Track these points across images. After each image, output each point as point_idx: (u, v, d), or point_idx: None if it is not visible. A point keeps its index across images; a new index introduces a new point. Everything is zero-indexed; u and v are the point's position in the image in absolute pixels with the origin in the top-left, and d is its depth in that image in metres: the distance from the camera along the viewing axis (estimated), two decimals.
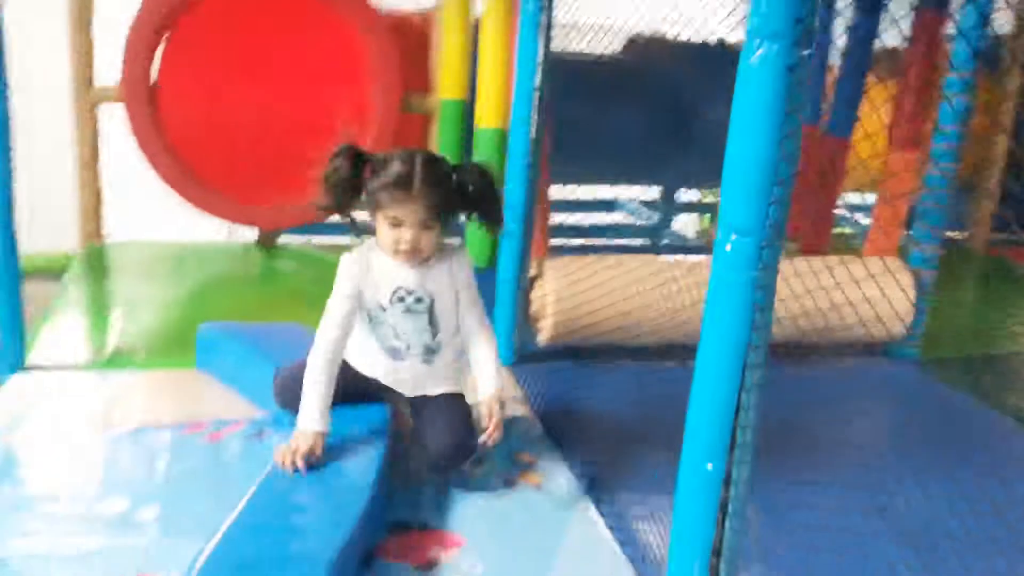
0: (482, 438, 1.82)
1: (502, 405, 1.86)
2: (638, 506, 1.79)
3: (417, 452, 1.88)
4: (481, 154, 3.42)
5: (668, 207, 4.81)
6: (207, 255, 3.76)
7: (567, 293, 2.51)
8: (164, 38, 3.38)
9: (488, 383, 1.87)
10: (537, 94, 2.36)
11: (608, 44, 4.36)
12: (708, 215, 5.04)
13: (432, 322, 1.85)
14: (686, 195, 4.86)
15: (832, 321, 2.32)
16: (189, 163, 3.48)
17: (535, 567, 1.62)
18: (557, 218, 4.28)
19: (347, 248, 1.86)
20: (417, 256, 1.78)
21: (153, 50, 3.36)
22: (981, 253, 4.32)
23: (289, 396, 1.87)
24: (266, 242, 3.89)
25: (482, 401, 1.85)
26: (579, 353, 2.60)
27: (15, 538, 1.57)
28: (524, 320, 2.59)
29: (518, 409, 2.27)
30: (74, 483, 1.78)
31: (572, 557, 1.66)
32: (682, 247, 4.47)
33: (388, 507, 1.74)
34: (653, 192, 4.91)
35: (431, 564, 1.59)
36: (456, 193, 1.79)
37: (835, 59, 3.75)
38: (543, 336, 2.59)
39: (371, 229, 1.81)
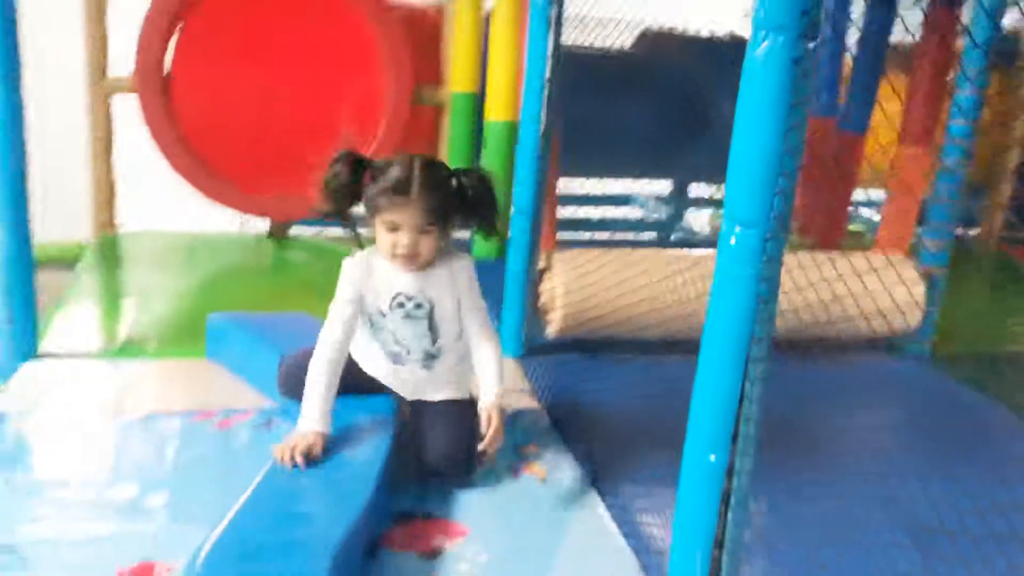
0: (481, 445, 1.80)
1: (503, 412, 1.83)
2: (643, 498, 1.79)
3: (415, 457, 1.85)
4: (490, 147, 3.43)
5: (680, 202, 4.80)
6: (219, 245, 3.78)
7: (576, 286, 2.52)
8: (178, 29, 3.40)
9: (489, 389, 1.84)
10: (547, 88, 2.36)
11: (620, 38, 4.36)
12: (721, 210, 5.01)
13: (432, 328, 1.84)
14: (698, 190, 4.85)
15: (840, 316, 2.31)
16: (202, 154, 3.50)
17: (539, 557, 1.63)
18: (569, 212, 4.30)
19: (359, 241, 1.86)
20: (415, 261, 1.77)
21: (167, 41, 3.38)
22: (992, 251, 4.30)
23: (292, 385, 1.88)
24: (278, 233, 3.91)
25: (482, 408, 1.83)
26: (587, 346, 2.60)
27: (26, 523, 1.59)
28: (533, 312, 2.59)
29: (525, 401, 2.28)
30: (84, 469, 1.80)
31: (576, 548, 1.67)
32: (693, 242, 4.46)
33: (393, 497, 1.75)
34: (665, 187, 4.90)
35: (436, 553, 1.61)
36: (455, 198, 1.78)
37: (848, 55, 3.74)
38: (552, 328, 2.60)
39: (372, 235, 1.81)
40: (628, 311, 2.43)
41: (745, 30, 1.16)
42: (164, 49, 3.38)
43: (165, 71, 3.41)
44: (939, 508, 1.42)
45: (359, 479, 1.63)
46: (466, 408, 1.89)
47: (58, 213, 3.71)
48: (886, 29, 3.51)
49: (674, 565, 1.38)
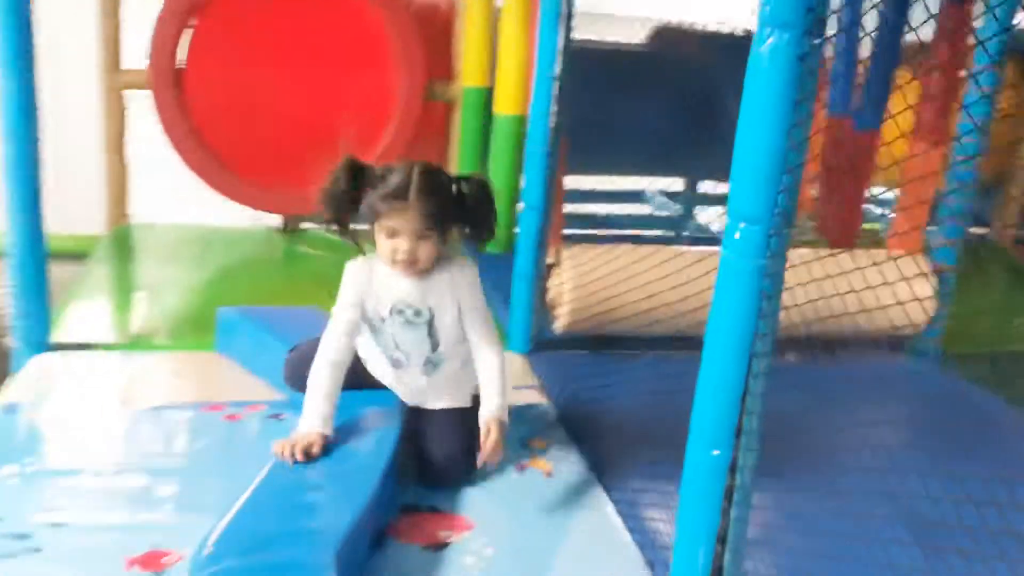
0: (480, 459, 1.78)
1: (503, 425, 1.80)
2: (648, 493, 1.79)
3: (415, 462, 1.84)
4: (498, 140, 3.43)
5: (691, 199, 4.79)
6: (231, 239, 3.80)
7: (584, 281, 2.52)
8: (191, 24, 3.42)
9: (489, 401, 1.82)
10: (557, 83, 2.37)
11: (634, 33, 4.36)
12: None
13: (431, 335, 1.84)
14: (710, 187, 4.84)
15: (849, 313, 2.31)
16: (214, 149, 3.52)
17: (545, 551, 1.64)
18: (580, 208, 4.30)
19: (360, 247, 1.85)
20: (415, 267, 1.76)
21: (180, 35, 3.40)
22: (1007, 250, 4.27)
23: (298, 378, 1.88)
24: (290, 227, 3.93)
25: (482, 419, 1.80)
26: (595, 341, 2.61)
27: (38, 511, 1.61)
28: (541, 307, 2.60)
29: (532, 396, 2.29)
30: (95, 459, 1.82)
31: (581, 542, 1.68)
32: (705, 239, 4.45)
33: (399, 489, 1.77)
34: (677, 184, 4.89)
35: (441, 545, 1.62)
36: (455, 204, 1.77)
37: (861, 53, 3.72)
38: (560, 324, 2.60)
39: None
40: (636, 307, 2.43)
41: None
42: (177, 44, 3.39)
43: (178, 66, 3.42)
44: (942, 505, 1.42)
45: (365, 471, 1.65)
46: (466, 415, 1.87)
47: (71, 205, 3.74)
48: (900, 27, 3.49)
49: (677, 560, 1.39)
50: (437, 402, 1.90)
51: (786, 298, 1.28)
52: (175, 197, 3.67)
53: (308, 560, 1.36)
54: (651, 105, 4.02)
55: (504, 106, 3.47)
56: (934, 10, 2.82)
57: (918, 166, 2.69)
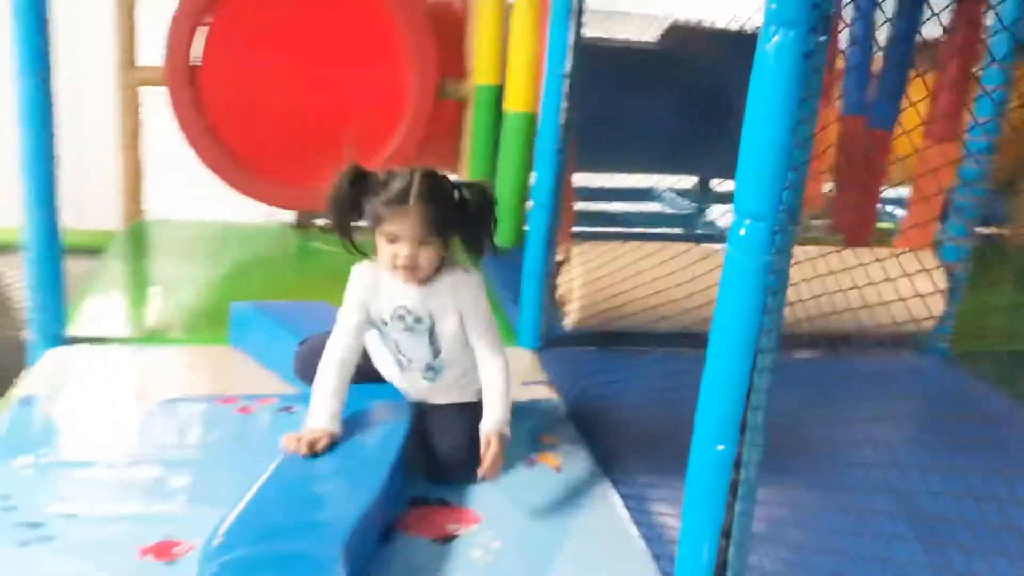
0: (480, 471, 1.75)
1: (503, 438, 1.78)
2: (656, 489, 1.80)
3: (422, 458, 1.85)
4: (508, 137, 3.44)
5: (703, 197, 4.79)
6: (245, 235, 3.83)
7: (593, 278, 2.53)
8: (206, 21, 3.45)
9: (491, 414, 1.80)
10: (567, 80, 2.38)
11: (647, 31, 4.36)
12: None
13: (433, 342, 1.84)
14: (722, 185, 4.84)
15: (859, 311, 2.31)
16: (229, 145, 3.55)
17: (552, 545, 1.65)
18: (593, 206, 4.31)
19: (364, 252, 1.86)
20: (415, 272, 1.76)
21: (196, 33, 3.43)
22: (1019, 250, 4.25)
23: (307, 371, 1.89)
24: (303, 223, 3.96)
25: (482, 431, 1.78)
26: (604, 338, 2.62)
27: (53, 502, 1.63)
28: (551, 304, 2.61)
29: (541, 392, 2.30)
30: (110, 451, 1.84)
31: (588, 536, 1.69)
32: (716, 236, 4.45)
33: (408, 482, 1.78)
34: (689, 182, 4.89)
35: (449, 538, 1.63)
36: (457, 210, 1.77)
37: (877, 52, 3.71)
38: (569, 320, 2.62)
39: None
40: (645, 303, 2.44)
41: None
42: (193, 41, 3.42)
43: (193, 63, 3.45)
44: (943, 500, 1.43)
45: (374, 464, 1.66)
46: (471, 410, 1.87)
47: (88, 201, 3.78)
48: (913, 26, 3.48)
49: (682, 554, 1.40)
50: (441, 398, 1.91)
51: (792, 294, 1.28)
52: (190, 193, 3.71)
53: (316, 551, 1.38)
54: (663, 102, 4.01)
55: (514, 103, 3.48)
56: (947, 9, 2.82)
57: (929, 164, 2.68)
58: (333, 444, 1.71)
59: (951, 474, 1.46)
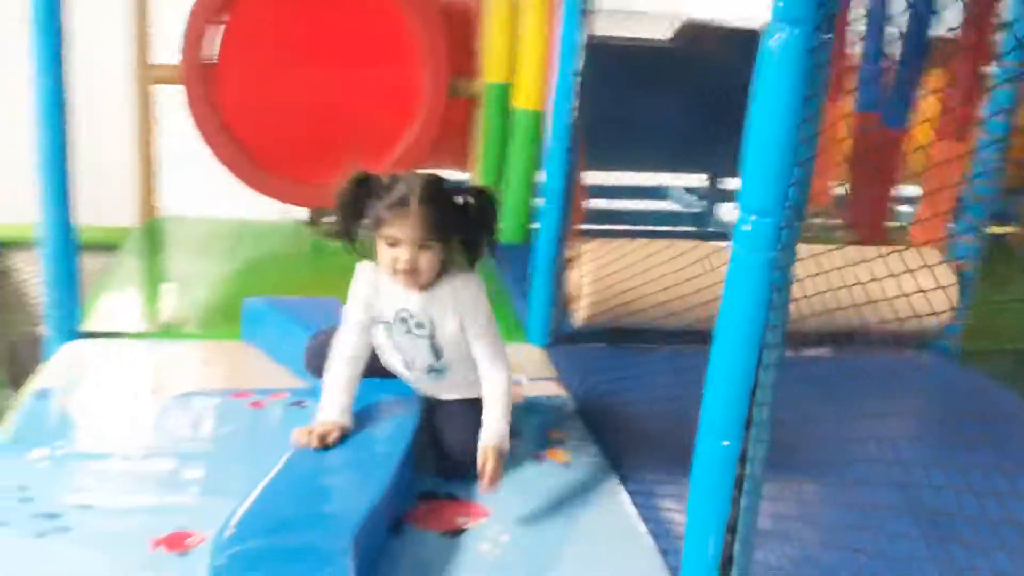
0: (480, 489, 1.72)
1: (500, 454, 1.73)
2: (664, 485, 1.81)
3: (433, 453, 1.86)
4: (517, 134, 3.45)
5: (714, 195, 4.79)
6: (259, 232, 3.85)
7: (603, 274, 2.55)
8: (222, 20, 3.47)
9: (489, 428, 1.76)
10: (577, 78, 2.39)
11: (660, 30, 4.37)
12: None
13: (434, 347, 1.83)
14: (733, 184, 4.83)
15: (868, 310, 2.31)
16: (244, 143, 3.58)
17: (560, 539, 1.67)
18: (604, 204, 4.32)
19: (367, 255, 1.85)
20: (415, 277, 1.75)
21: (211, 31, 3.46)
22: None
23: (318, 364, 1.92)
24: (317, 220, 3.98)
25: (480, 447, 1.73)
26: (614, 334, 2.62)
27: (69, 493, 1.66)
28: (560, 301, 2.62)
29: (550, 388, 2.32)
30: (124, 443, 1.87)
31: (596, 531, 1.71)
32: (727, 234, 4.44)
33: (417, 477, 1.80)
34: (700, 180, 4.89)
35: (458, 531, 1.65)
36: (458, 214, 1.76)
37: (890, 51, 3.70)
38: (579, 317, 2.63)
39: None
40: (654, 300, 2.45)
41: None
42: (208, 39, 3.45)
43: (209, 61, 3.48)
44: (945, 495, 1.43)
45: (384, 457, 1.68)
46: (479, 405, 1.84)
47: (104, 198, 3.81)
48: (926, 23, 3.47)
49: (687, 549, 1.41)
50: (449, 395, 1.91)
51: (797, 291, 1.29)
52: (205, 190, 3.74)
53: (326, 544, 1.40)
54: (675, 101, 4.02)
55: (522, 100, 3.48)
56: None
57: (940, 162, 2.68)
58: (344, 437, 1.73)
59: (955, 470, 1.46)
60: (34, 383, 2.17)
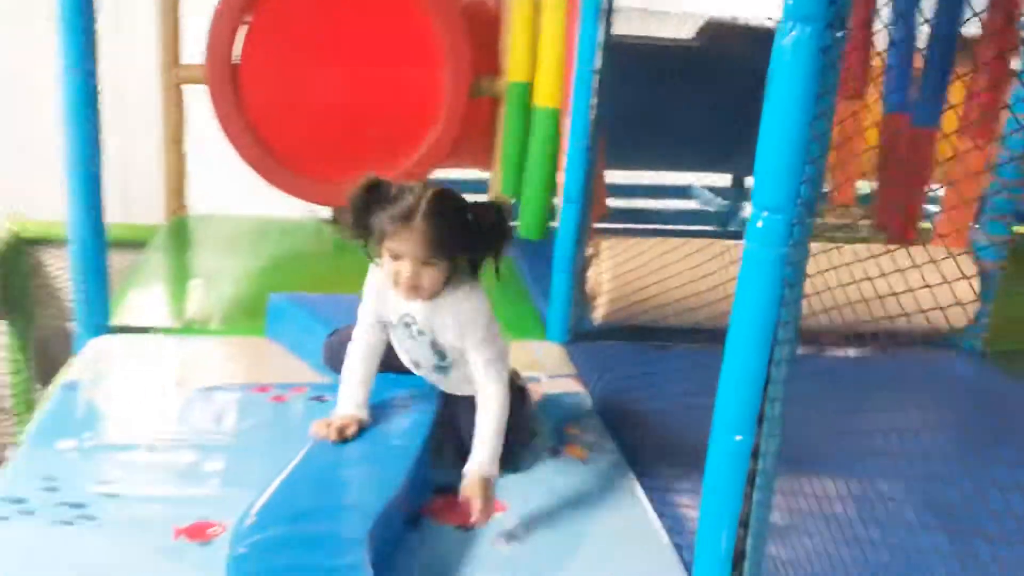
0: (472, 518, 1.62)
1: (488, 484, 1.64)
2: (680, 481, 1.81)
3: (453, 445, 1.86)
4: (537, 133, 3.45)
5: (738, 194, 4.77)
6: (284, 229, 3.90)
7: (622, 271, 2.56)
8: (247, 20, 3.52)
9: (475, 454, 1.69)
10: (597, 77, 2.40)
11: (683, 29, 4.36)
12: None
13: (437, 351, 1.82)
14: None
15: (892, 309, 2.30)
16: (268, 143, 3.61)
17: (575, 534, 1.68)
18: (627, 203, 4.32)
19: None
20: (417, 293, 1.71)
21: (236, 31, 3.50)
22: None
23: (336, 360, 1.93)
24: (339, 219, 4.01)
25: (465, 476, 1.65)
26: (633, 332, 2.63)
27: (94, 483, 1.70)
28: (580, 298, 2.64)
29: (569, 385, 2.33)
30: (149, 435, 1.90)
31: (612, 526, 1.72)
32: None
33: (435, 471, 1.82)
34: (723, 179, 4.88)
35: (474, 525, 1.66)
36: (466, 231, 1.70)
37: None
38: (598, 314, 2.64)
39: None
40: (673, 297, 2.45)
41: None
42: (233, 40, 3.49)
43: (234, 61, 3.52)
44: (967, 490, 1.43)
45: (401, 451, 1.71)
46: None
47: (132, 196, 3.89)
48: (955, 21, 3.43)
49: (700, 543, 1.42)
50: (462, 391, 1.90)
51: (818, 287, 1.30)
52: (231, 189, 3.79)
53: (343, 533, 1.43)
54: (698, 100, 4.00)
55: (542, 99, 3.49)
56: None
57: (964, 162, 2.65)
58: (361, 431, 1.76)
59: (977, 465, 1.46)
60: (63, 376, 2.22)
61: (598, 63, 2.39)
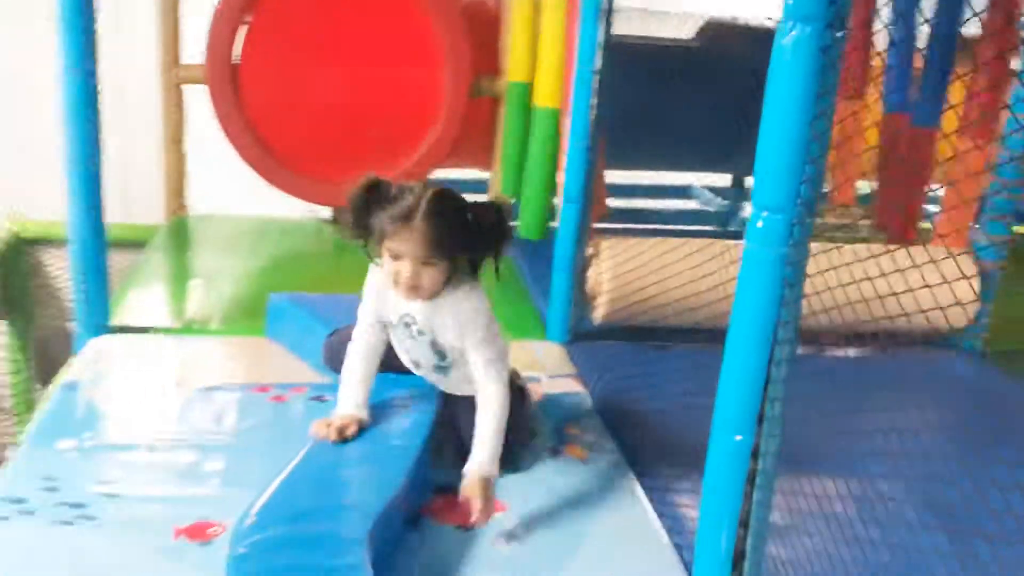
0: (472, 518, 1.62)
1: (486, 485, 1.64)
2: (680, 481, 1.81)
3: (454, 444, 1.86)
4: (537, 133, 3.46)
5: (738, 194, 4.78)
6: (284, 230, 3.90)
7: (622, 271, 2.56)
8: (247, 20, 3.52)
9: (476, 453, 1.69)
10: (597, 77, 2.40)
11: (682, 29, 4.36)
12: None
13: (437, 351, 1.83)
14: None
15: (892, 309, 2.31)
16: (268, 143, 3.62)
17: (575, 534, 1.68)
18: (627, 203, 4.32)
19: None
20: (417, 293, 1.72)
21: (236, 32, 3.50)
22: None
23: (336, 360, 1.94)
24: (338, 219, 4.01)
25: (465, 476, 1.66)
26: (633, 332, 2.63)
27: (94, 483, 1.70)
28: (580, 298, 2.64)
29: (569, 385, 2.33)
30: (149, 435, 1.90)
31: (611, 526, 1.72)
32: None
33: (434, 471, 1.82)
34: (724, 180, 4.88)
35: (474, 525, 1.67)
36: (467, 232, 1.70)
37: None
38: (598, 314, 2.64)
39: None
40: (673, 296, 2.45)
41: None
42: (233, 40, 3.49)
43: (234, 61, 3.52)
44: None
45: (401, 450, 1.71)
46: None
47: (132, 196, 3.89)
48: (955, 21, 3.43)
49: (700, 543, 1.42)
50: (461, 391, 1.90)
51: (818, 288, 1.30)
52: (231, 189, 3.79)
53: (343, 532, 1.43)
54: (698, 100, 4.00)
55: (542, 99, 3.49)
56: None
57: (964, 162, 2.65)
58: (361, 431, 1.76)
59: (977, 465, 1.46)
60: (63, 376, 2.22)
61: (598, 63, 2.39)
